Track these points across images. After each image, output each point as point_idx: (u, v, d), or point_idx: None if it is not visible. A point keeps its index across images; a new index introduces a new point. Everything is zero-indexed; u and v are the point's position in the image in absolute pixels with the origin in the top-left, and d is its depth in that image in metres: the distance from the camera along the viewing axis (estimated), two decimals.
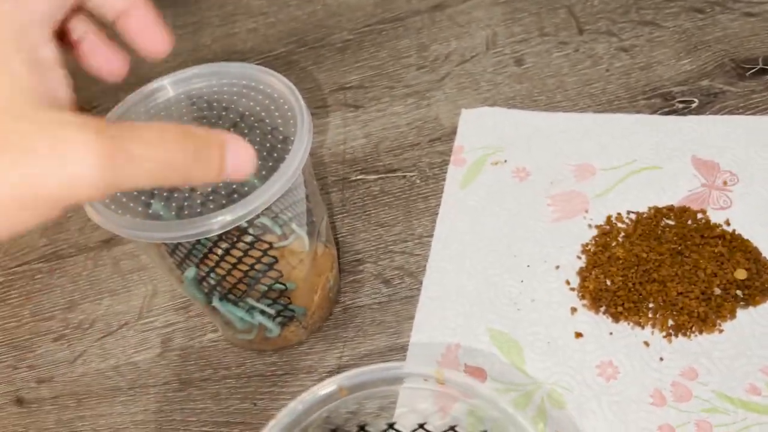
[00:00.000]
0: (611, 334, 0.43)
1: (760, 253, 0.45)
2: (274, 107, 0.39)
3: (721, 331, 0.42)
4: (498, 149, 0.55)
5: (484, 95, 0.59)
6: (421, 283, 0.48)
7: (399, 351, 0.46)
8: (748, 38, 0.58)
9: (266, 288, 0.42)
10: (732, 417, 0.39)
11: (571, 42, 0.61)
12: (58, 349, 0.51)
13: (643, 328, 0.43)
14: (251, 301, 0.42)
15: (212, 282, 0.41)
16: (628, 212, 0.49)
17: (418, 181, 0.55)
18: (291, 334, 0.46)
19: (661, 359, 0.42)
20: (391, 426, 0.35)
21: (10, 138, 0.19)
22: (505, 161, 0.54)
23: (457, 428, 0.34)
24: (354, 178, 0.56)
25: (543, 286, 0.46)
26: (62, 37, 0.25)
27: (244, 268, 0.40)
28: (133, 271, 0.54)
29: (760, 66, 0.56)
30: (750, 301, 0.43)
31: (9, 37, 0.20)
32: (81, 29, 0.25)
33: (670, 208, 0.48)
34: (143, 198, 0.38)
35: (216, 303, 0.42)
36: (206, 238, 0.37)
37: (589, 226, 0.49)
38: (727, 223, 0.47)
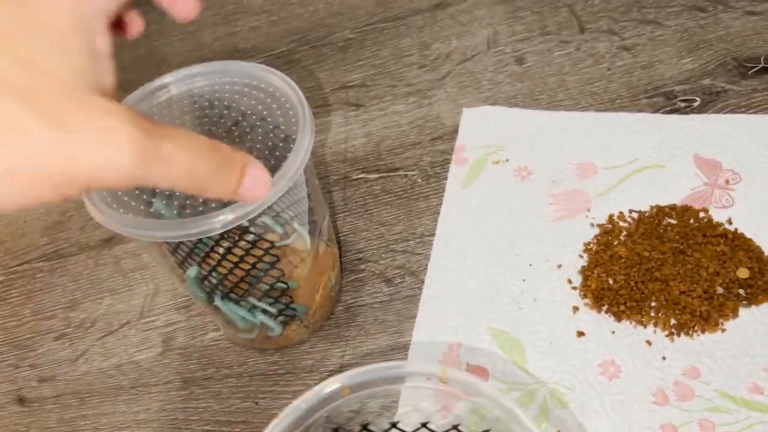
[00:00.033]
0: (613, 333, 0.43)
1: (763, 252, 0.45)
2: (275, 106, 0.39)
3: (723, 330, 0.42)
4: (499, 148, 0.54)
5: (485, 94, 0.59)
6: (422, 282, 0.48)
7: (401, 350, 0.45)
8: (750, 37, 0.58)
9: (268, 287, 0.42)
10: (735, 416, 0.39)
11: (573, 41, 0.61)
12: (60, 348, 0.51)
13: (645, 327, 0.43)
14: (253, 300, 0.42)
15: (214, 281, 0.41)
16: (630, 211, 0.49)
17: (419, 180, 0.55)
18: (293, 333, 0.46)
19: (664, 358, 0.42)
20: (394, 425, 0.35)
21: (57, 114, 0.20)
22: (507, 160, 0.54)
23: (460, 427, 0.34)
24: (355, 177, 0.56)
25: (545, 285, 0.46)
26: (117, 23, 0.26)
27: (246, 267, 0.40)
28: (135, 270, 0.54)
29: (762, 65, 0.56)
30: (752, 300, 0.43)
31: (72, 25, 0.21)
32: None
33: (673, 207, 0.48)
34: (145, 197, 0.38)
35: (218, 302, 0.42)
36: (208, 237, 0.37)
37: (591, 224, 0.49)
38: (730, 221, 0.47)
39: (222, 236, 0.39)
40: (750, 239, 0.45)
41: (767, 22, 0.58)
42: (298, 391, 0.45)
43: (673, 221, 0.47)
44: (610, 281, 0.45)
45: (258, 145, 0.40)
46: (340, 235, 0.53)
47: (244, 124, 0.40)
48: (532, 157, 0.53)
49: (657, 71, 0.57)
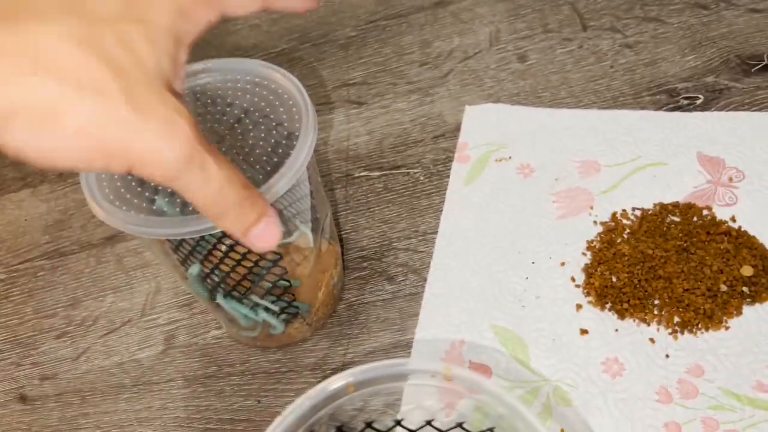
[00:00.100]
0: (617, 330, 0.43)
1: (767, 250, 0.45)
2: (278, 103, 0.39)
3: (727, 327, 0.42)
4: (502, 146, 0.54)
5: (487, 92, 0.59)
6: (425, 280, 0.48)
7: (403, 348, 0.45)
8: (754, 34, 0.58)
9: (270, 285, 0.42)
10: (739, 414, 0.39)
11: (575, 38, 0.61)
12: (62, 346, 0.51)
13: (648, 324, 0.43)
14: (255, 298, 0.42)
15: (216, 279, 0.41)
16: (633, 209, 0.49)
17: (421, 178, 0.54)
18: (295, 331, 0.46)
19: (667, 356, 0.42)
20: (398, 423, 0.35)
21: (140, 100, 0.22)
22: (509, 158, 0.53)
23: (464, 425, 0.34)
24: (357, 175, 0.56)
25: (548, 283, 0.46)
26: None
27: (248, 264, 0.40)
28: (137, 268, 0.54)
29: (766, 62, 0.55)
30: (756, 297, 0.43)
31: (170, 30, 0.24)
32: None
33: (676, 205, 0.48)
34: (147, 194, 0.37)
35: (220, 300, 0.42)
36: (210, 235, 0.37)
37: (594, 222, 0.48)
38: (733, 219, 0.47)
39: (224, 234, 0.39)
40: (754, 237, 0.45)
41: None
42: (301, 389, 0.45)
43: (676, 219, 0.47)
44: (614, 279, 0.45)
45: (260, 143, 0.40)
46: (342, 233, 0.53)
47: (247, 121, 0.40)
48: (535, 154, 0.53)
49: (660, 69, 0.57)
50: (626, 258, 0.45)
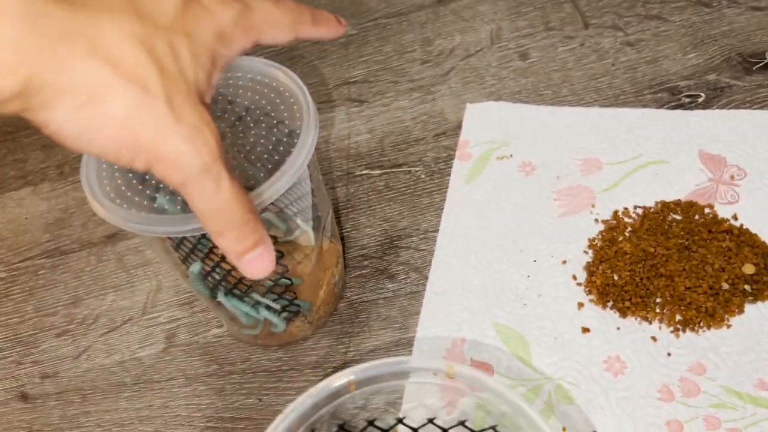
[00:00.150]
0: (618, 329, 0.43)
1: None
2: (279, 101, 0.39)
3: (729, 326, 0.42)
4: (503, 144, 0.54)
5: (489, 90, 0.59)
6: (426, 278, 0.48)
7: (404, 346, 0.45)
8: (755, 32, 0.57)
9: (271, 283, 0.42)
10: (741, 412, 0.39)
11: (577, 36, 0.61)
12: (62, 344, 0.51)
13: (650, 323, 0.43)
14: (256, 296, 0.42)
15: (217, 277, 0.41)
16: (635, 207, 0.48)
17: (423, 176, 0.54)
18: (296, 330, 0.46)
19: (669, 354, 0.42)
20: (400, 420, 0.35)
21: (178, 106, 0.24)
22: (511, 156, 0.53)
23: (466, 423, 0.33)
24: (359, 173, 0.56)
25: (549, 281, 0.46)
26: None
27: None
28: (138, 267, 0.54)
29: (767, 60, 0.55)
30: (758, 295, 0.43)
31: (211, 50, 0.26)
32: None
33: (677, 203, 0.48)
34: (148, 192, 0.37)
35: (221, 298, 0.42)
36: None
37: (596, 220, 0.48)
38: (735, 217, 0.47)
39: None
40: (755, 235, 0.45)
41: None
42: (302, 387, 0.45)
43: (678, 217, 0.47)
44: (615, 277, 0.45)
45: (261, 141, 0.40)
46: (343, 231, 0.52)
47: (248, 119, 0.40)
48: (536, 152, 0.53)
49: (661, 67, 0.57)
50: (628, 256, 0.45)
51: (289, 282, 0.42)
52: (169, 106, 0.24)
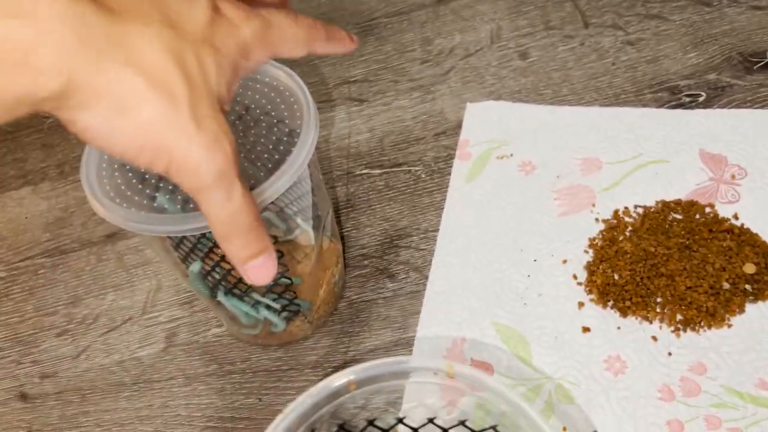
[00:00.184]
0: (619, 328, 0.43)
1: None
2: (280, 100, 0.39)
3: (729, 325, 0.42)
4: (503, 143, 0.54)
5: (489, 89, 0.59)
6: (426, 277, 0.48)
7: (405, 346, 0.45)
8: (756, 32, 0.57)
9: (271, 282, 0.41)
10: (741, 412, 0.39)
11: (577, 36, 0.61)
12: (62, 344, 0.51)
13: (651, 322, 0.43)
14: (256, 296, 0.42)
15: (217, 276, 0.41)
16: (636, 206, 0.48)
17: (423, 176, 0.54)
18: (296, 329, 0.46)
19: (670, 354, 0.42)
20: (400, 420, 0.35)
21: (197, 112, 0.25)
22: (511, 155, 0.53)
23: (466, 423, 0.33)
24: (359, 173, 0.56)
25: (550, 281, 0.46)
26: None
27: None
28: (138, 266, 0.54)
29: None
30: (759, 295, 0.43)
31: (231, 66, 0.27)
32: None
33: (678, 202, 0.48)
34: (148, 191, 0.37)
35: (221, 297, 0.42)
36: (211, 232, 0.37)
37: (596, 220, 0.48)
38: (736, 217, 0.47)
39: None
40: (756, 234, 0.45)
41: None
42: (302, 387, 0.45)
43: (678, 216, 0.47)
44: (616, 277, 0.45)
45: (262, 140, 0.40)
46: (343, 230, 0.52)
47: (248, 118, 0.39)
48: (537, 152, 0.53)
49: (662, 66, 0.57)
50: (628, 256, 0.45)
51: (289, 281, 0.42)
52: (193, 115, 0.25)
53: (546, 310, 0.45)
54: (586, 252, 0.47)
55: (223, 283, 0.41)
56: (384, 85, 0.62)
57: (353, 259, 0.51)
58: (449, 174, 0.53)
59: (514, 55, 0.61)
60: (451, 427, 0.34)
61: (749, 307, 0.43)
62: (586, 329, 0.43)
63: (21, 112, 0.23)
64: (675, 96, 0.55)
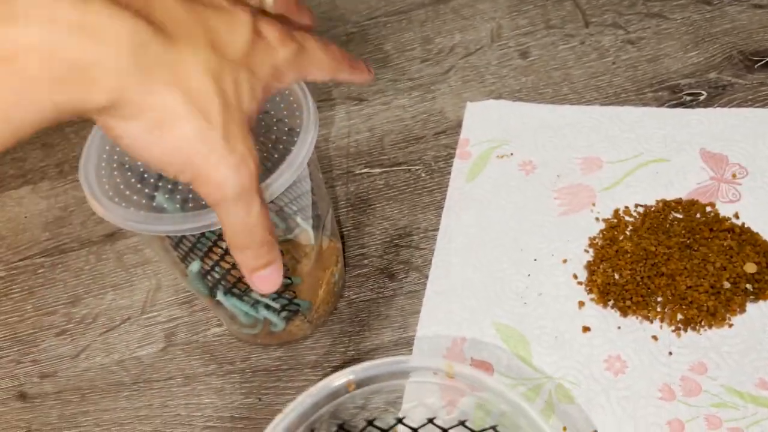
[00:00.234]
0: (619, 328, 0.43)
1: None
2: (279, 99, 0.39)
3: (730, 325, 0.42)
4: (504, 142, 0.54)
5: (489, 88, 0.59)
6: (426, 277, 0.48)
7: (404, 346, 0.45)
8: (757, 30, 0.57)
9: None
10: (742, 412, 0.39)
11: (577, 35, 0.61)
12: (61, 343, 0.51)
13: (651, 322, 0.43)
14: (256, 295, 0.42)
15: (216, 276, 0.41)
16: (636, 205, 0.48)
17: (423, 175, 0.54)
18: (296, 329, 0.46)
19: (670, 354, 0.41)
20: (400, 420, 0.35)
21: (229, 133, 0.26)
22: (511, 154, 0.53)
23: (466, 423, 0.33)
24: (358, 172, 0.56)
25: (550, 280, 0.46)
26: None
27: None
28: (137, 265, 0.54)
29: None
30: (760, 295, 0.42)
31: (263, 88, 0.29)
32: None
33: (679, 202, 0.48)
34: (147, 190, 0.37)
35: (220, 297, 0.42)
36: (210, 231, 0.37)
37: (597, 219, 0.48)
38: (737, 216, 0.46)
39: None
40: (757, 234, 0.45)
41: None
42: (302, 386, 0.45)
43: (679, 216, 0.47)
44: (616, 276, 0.45)
45: (261, 138, 0.40)
46: (343, 230, 0.52)
47: None
48: (537, 151, 0.53)
49: (662, 65, 0.57)
50: (629, 255, 0.45)
51: (288, 281, 0.42)
52: (224, 135, 0.26)
53: (546, 309, 0.45)
54: (587, 251, 0.47)
55: (222, 282, 0.41)
56: (384, 84, 0.61)
57: (353, 259, 0.50)
58: (449, 173, 0.53)
59: (515, 54, 0.61)
60: (450, 427, 0.34)
61: (750, 306, 0.42)
62: (586, 329, 0.43)
63: (64, 119, 0.24)
64: (676, 95, 0.54)
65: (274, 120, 0.39)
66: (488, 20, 0.64)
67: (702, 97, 0.54)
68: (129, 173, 0.37)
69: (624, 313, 0.43)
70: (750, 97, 0.53)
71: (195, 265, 0.40)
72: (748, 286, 0.43)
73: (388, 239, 0.51)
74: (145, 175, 0.37)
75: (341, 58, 0.33)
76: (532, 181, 0.51)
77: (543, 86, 0.58)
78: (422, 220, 0.51)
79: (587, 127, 0.54)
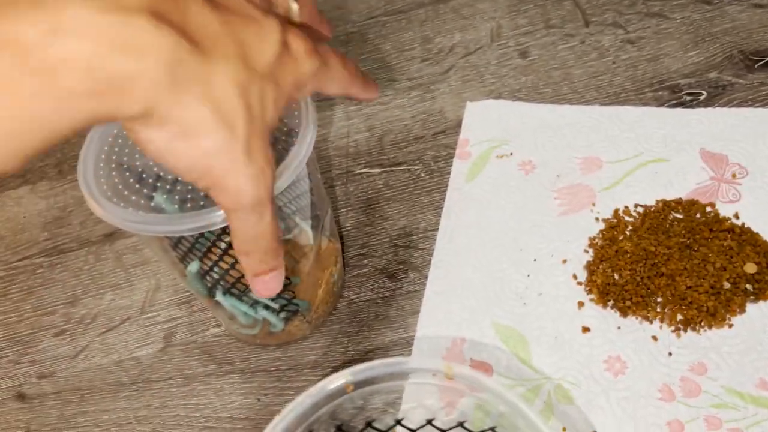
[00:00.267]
0: (619, 328, 0.43)
1: None
2: None
3: (730, 325, 0.42)
4: (503, 142, 0.54)
5: (489, 88, 0.59)
6: (425, 277, 0.48)
7: (404, 346, 0.45)
8: (757, 30, 0.57)
9: None
10: (742, 412, 0.39)
11: (577, 34, 0.61)
12: (60, 344, 0.51)
13: (651, 322, 0.43)
14: (255, 296, 0.42)
15: (215, 276, 0.41)
16: (636, 205, 0.48)
17: (422, 175, 0.54)
18: (295, 329, 0.46)
19: (670, 354, 0.41)
20: (398, 422, 0.35)
21: (251, 146, 0.27)
22: (511, 154, 0.53)
23: (465, 424, 0.33)
24: (358, 172, 0.56)
25: (550, 280, 0.46)
26: None
27: None
28: (136, 266, 0.54)
29: None
30: (760, 295, 0.42)
31: (285, 100, 0.29)
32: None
33: (678, 202, 0.48)
34: (146, 191, 0.37)
35: (219, 297, 0.42)
36: (209, 232, 0.37)
37: (597, 219, 0.48)
38: (737, 216, 0.46)
39: (224, 231, 0.39)
40: (757, 234, 0.45)
41: None
42: (301, 387, 0.45)
43: (679, 216, 0.47)
44: (616, 276, 0.44)
45: None
46: (342, 230, 0.52)
47: None
48: (537, 151, 0.53)
49: (662, 64, 0.57)
50: (628, 255, 0.45)
51: (287, 281, 0.42)
52: (246, 148, 0.27)
53: (546, 309, 0.44)
54: (586, 251, 0.47)
55: (221, 282, 0.41)
56: (383, 83, 0.61)
57: (352, 259, 0.50)
58: (449, 173, 0.53)
59: (514, 54, 0.61)
60: (449, 429, 0.34)
61: (750, 307, 0.42)
62: (586, 329, 0.43)
63: (96, 124, 0.25)
64: (675, 95, 0.54)
65: None
66: (488, 20, 0.64)
67: (702, 97, 0.54)
68: (127, 173, 0.37)
69: (624, 314, 0.43)
70: (750, 96, 0.53)
71: (194, 266, 0.40)
72: (748, 286, 0.43)
73: (387, 239, 0.51)
74: (144, 176, 0.37)
75: (357, 75, 0.34)
76: (531, 181, 0.51)
77: (543, 86, 0.58)
78: (422, 220, 0.51)
79: (587, 126, 0.54)
